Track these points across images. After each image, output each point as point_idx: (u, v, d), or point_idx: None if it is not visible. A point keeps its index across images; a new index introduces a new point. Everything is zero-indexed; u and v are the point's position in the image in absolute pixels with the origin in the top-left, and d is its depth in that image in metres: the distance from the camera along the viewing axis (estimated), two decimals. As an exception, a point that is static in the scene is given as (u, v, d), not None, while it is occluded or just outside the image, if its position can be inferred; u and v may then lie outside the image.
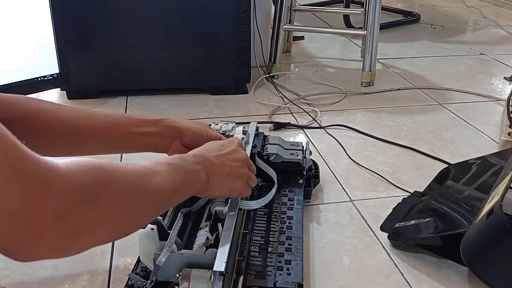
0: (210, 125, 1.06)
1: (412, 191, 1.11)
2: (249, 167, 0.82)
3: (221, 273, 0.67)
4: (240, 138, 1.01)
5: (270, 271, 0.79)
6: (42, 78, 1.29)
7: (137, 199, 0.56)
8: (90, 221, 0.50)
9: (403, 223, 0.97)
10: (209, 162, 0.73)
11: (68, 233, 0.47)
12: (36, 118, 0.75)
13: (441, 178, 1.14)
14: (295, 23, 2.13)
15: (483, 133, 1.42)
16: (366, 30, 1.72)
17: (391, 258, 0.92)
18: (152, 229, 0.75)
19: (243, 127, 1.07)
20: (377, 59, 1.80)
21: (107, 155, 0.86)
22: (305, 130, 1.42)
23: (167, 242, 0.71)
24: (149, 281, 0.71)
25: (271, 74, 1.78)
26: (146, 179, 0.59)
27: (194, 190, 0.71)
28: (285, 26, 1.78)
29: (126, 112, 1.51)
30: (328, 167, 1.22)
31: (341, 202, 1.09)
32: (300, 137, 1.38)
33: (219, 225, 0.78)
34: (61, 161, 0.49)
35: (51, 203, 0.45)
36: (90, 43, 1.54)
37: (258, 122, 1.15)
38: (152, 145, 0.86)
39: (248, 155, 0.98)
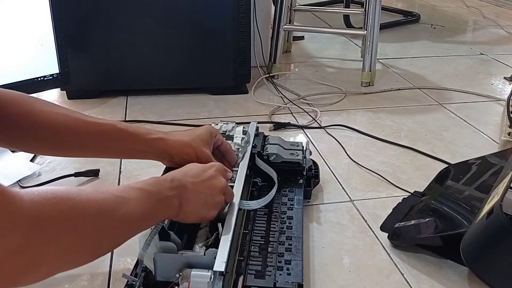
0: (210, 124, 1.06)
1: (412, 191, 1.11)
2: (226, 195, 0.79)
3: (221, 273, 0.67)
4: (240, 139, 1.02)
5: (270, 271, 0.79)
6: (42, 78, 1.29)
7: (102, 230, 0.56)
8: (49, 254, 0.50)
9: (403, 223, 0.97)
10: (185, 188, 0.71)
11: (24, 265, 0.47)
12: (28, 120, 0.74)
13: (441, 178, 1.14)
14: (295, 23, 2.13)
15: (483, 133, 1.42)
16: (366, 30, 1.72)
17: (391, 258, 0.92)
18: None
19: (243, 127, 1.07)
20: (377, 59, 1.80)
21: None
22: (305, 130, 1.42)
23: (148, 235, 0.71)
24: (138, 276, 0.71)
25: (271, 74, 1.78)
26: (115, 209, 0.59)
27: (164, 216, 0.70)
28: (285, 26, 1.78)
29: (126, 111, 1.51)
30: (328, 167, 1.22)
31: (341, 202, 1.09)
32: (300, 137, 1.38)
33: (219, 225, 0.78)
34: (27, 193, 0.48)
35: (10, 237, 0.45)
36: (90, 43, 1.54)
37: (258, 122, 1.15)
38: (143, 158, 0.88)
39: (248, 155, 0.98)
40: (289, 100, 1.60)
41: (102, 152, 0.84)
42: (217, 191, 0.76)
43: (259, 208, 0.91)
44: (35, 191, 0.49)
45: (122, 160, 1.23)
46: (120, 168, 1.19)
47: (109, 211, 0.58)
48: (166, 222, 0.77)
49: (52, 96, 1.61)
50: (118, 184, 1.13)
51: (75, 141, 0.79)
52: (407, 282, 0.87)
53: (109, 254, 0.92)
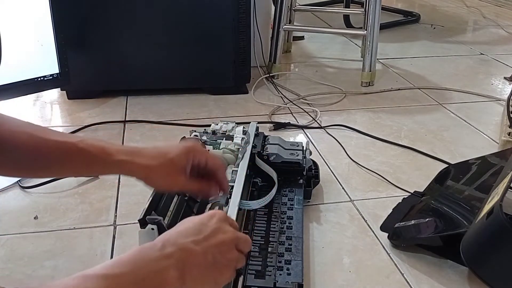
0: (204, 135, 1.04)
1: (412, 191, 1.11)
2: (238, 245, 0.63)
3: (221, 273, 0.67)
4: (240, 139, 1.02)
5: (270, 271, 0.79)
6: (42, 78, 1.29)
7: None
8: None
9: (403, 223, 0.97)
10: (185, 251, 0.57)
11: None
12: (5, 141, 0.70)
13: (441, 178, 1.14)
14: (295, 23, 2.13)
15: (483, 133, 1.42)
16: (366, 30, 1.72)
17: (391, 258, 0.92)
18: (152, 229, 0.75)
19: (243, 127, 1.07)
20: (377, 59, 1.80)
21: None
22: (305, 130, 1.42)
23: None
24: None
25: (271, 74, 1.78)
26: None
27: None
28: (285, 26, 1.78)
29: (126, 111, 1.51)
30: (328, 167, 1.22)
31: (341, 202, 1.09)
32: (300, 137, 1.38)
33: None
34: None
35: None
36: (90, 43, 1.54)
37: (258, 122, 1.15)
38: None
39: (248, 155, 0.98)
40: (289, 100, 1.60)
41: (67, 173, 0.80)
42: (227, 247, 0.61)
43: (259, 208, 0.91)
44: None
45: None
46: (120, 168, 1.19)
47: None
48: (166, 222, 0.77)
49: (52, 96, 1.61)
50: (118, 184, 1.13)
51: (38, 163, 0.73)
52: (407, 282, 0.87)
53: (109, 253, 0.92)
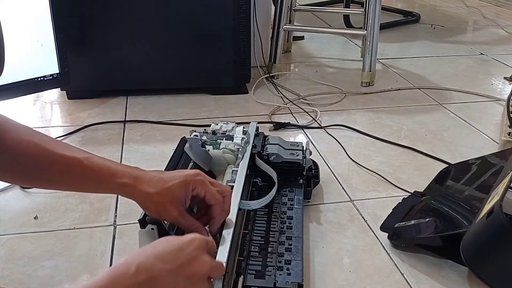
0: (204, 130, 1.04)
1: (412, 191, 1.11)
2: (214, 274, 0.63)
3: (221, 273, 0.67)
4: (240, 139, 1.02)
5: (270, 271, 0.79)
6: (42, 78, 1.29)
7: None
8: None
9: (403, 223, 0.97)
10: (157, 281, 0.56)
11: None
12: (11, 148, 0.70)
13: (441, 178, 1.14)
14: (295, 23, 2.13)
15: (483, 133, 1.42)
16: (366, 30, 1.72)
17: (391, 258, 0.92)
18: (152, 229, 0.75)
19: (243, 127, 1.07)
20: (377, 59, 1.80)
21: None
22: (305, 130, 1.42)
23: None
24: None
25: (271, 74, 1.78)
26: None
27: None
28: (285, 26, 1.78)
29: (126, 111, 1.51)
30: (328, 167, 1.22)
31: (341, 202, 1.09)
32: (300, 137, 1.38)
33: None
34: None
35: None
36: (90, 43, 1.54)
37: (258, 122, 1.15)
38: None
39: (248, 155, 0.98)
40: (289, 100, 1.60)
41: (68, 187, 0.79)
42: (200, 278, 0.60)
43: (259, 208, 0.91)
44: None
45: (122, 159, 1.24)
46: (120, 168, 1.19)
47: None
48: (166, 222, 0.77)
49: (52, 96, 1.61)
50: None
51: (40, 174, 0.72)
52: (407, 282, 0.87)
53: (109, 254, 0.92)
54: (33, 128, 0.75)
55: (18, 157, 0.70)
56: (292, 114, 1.52)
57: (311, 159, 1.11)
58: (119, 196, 1.09)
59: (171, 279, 0.57)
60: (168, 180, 0.73)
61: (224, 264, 0.66)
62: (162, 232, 0.74)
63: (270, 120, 1.46)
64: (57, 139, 1.16)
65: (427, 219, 0.95)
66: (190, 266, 0.59)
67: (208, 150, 1.00)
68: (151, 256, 0.58)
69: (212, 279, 0.63)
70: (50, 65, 1.31)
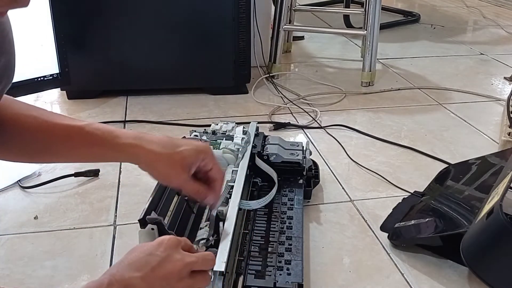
0: (205, 129, 1.04)
1: (412, 191, 1.11)
2: (196, 267, 0.63)
3: (221, 273, 0.67)
4: (240, 139, 1.02)
5: (270, 271, 0.79)
6: (42, 78, 1.29)
7: None
8: None
9: (403, 223, 0.97)
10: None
11: None
12: (10, 123, 0.70)
13: (441, 178, 1.14)
14: (295, 23, 2.13)
15: (483, 133, 1.42)
16: (366, 30, 1.72)
17: (391, 258, 0.92)
18: (152, 229, 0.75)
19: (243, 127, 1.07)
20: (377, 59, 1.80)
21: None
22: (305, 130, 1.42)
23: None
24: None
25: (271, 74, 1.78)
26: None
27: None
28: (285, 26, 1.78)
29: (126, 111, 1.50)
30: (328, 167, 1.22)
31: (341, 202, 1.09)
32: (300, 137, 1.38)
33: (220, 224, 0.78)
34: None
35: None
36: (90, 43, 1.54)
37: (258, 122, 1.15)
38: (117, 161, 0.80)
39: (248, 155, 0.98)
40: (289, 100, 1.60)
41: (70, 157, 0.78)
42: (176, 276, 0.60)
43: (259, 208, 0.91)
44: None
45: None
46: (120, 168, 1.19)
47: None
48: (166, 222, 0.77)
49: (52, 96, 1.61)
50: (118, 184, 1.13)
51: (42, 146, 0.72)
52: (407, 282, 0.87)
53: (109, 254, 0.92)
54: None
55: (19, 132, 0.69)
56: (292, 114, 1.51)
57: (311, 159, 1.11)
58: (119, 196, 1.09)
59: (145, 285, 0.58)
60: (180, 145, 0.73)
61: (212, 255, 0.66)
62: (162, 231, 0.74)
63: (270, 120, 1.46)
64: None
65: (427, 219, 0.95)
66: (161, 268, 0.59)
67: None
68: (124, 266, 0.59)
69: (210, 272, 0.64)
70: (50, 65, 1.31)
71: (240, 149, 0.99)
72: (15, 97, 1.27)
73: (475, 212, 0.89)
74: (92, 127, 0.72)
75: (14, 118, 0.70)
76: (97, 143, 0.71)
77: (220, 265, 0.67)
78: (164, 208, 0.81)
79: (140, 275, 0.58)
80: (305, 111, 1.52)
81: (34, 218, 1.02)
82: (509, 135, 1.31)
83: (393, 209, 1.04)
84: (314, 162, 1.12)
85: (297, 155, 1.05)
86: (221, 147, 1.00)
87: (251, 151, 1.00)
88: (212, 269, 0.66)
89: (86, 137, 0.71)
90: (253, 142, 1.03)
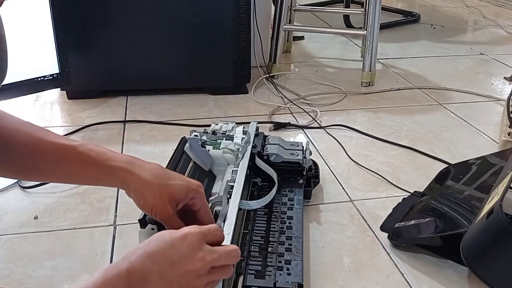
0: (204, 129, 1.04)
1: (412, 191, 1.11)
2: (219, 263, 0.61)
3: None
4: (240, 139, 1.02)
5: (270, 271, 0.79)
6: (42, 78, 1.29)
7: None
8: None
9: (403, 223, 0.97)
10: (148, 282, 0.56)
11: None
12: (2, 138, 0.68)
13: (441, 178, 1.14)
14: (295, 23, 2.13)
15: (483, 133, 1.42)
16: (366, 30, 1.72)
17: (391, 258, 0.92)
18: (153, 229, 0.75)
19: (243, 127, 1.07)
20: (377, 59, 1.80)
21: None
22: (305, 130, 1.42)
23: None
24: None
25: (271, 74, 1.78)
26: None
27: None
28: (285, 26, 1.78)
29: (126, 111, 1.51)
30: (328, 167, 1.22)
31: (341, 202, 1.09)
32: (300, 137, 1.38)
33: (220, 224, 0.78)
34: None
35: None
36: (90, 43, 1.54)
37: (258, 122, 1.15)
38: (106, 186, 0.78)
39: (248, 155, 0.98)
40: (289, 100, 1.60)
41: (62, 177, 0.75)
42: (194, 275, 0.58)
43: (259, 208, 0.91)
44: None
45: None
46: (120, 168, 1.19)
47: None
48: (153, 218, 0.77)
49: (52, 96, 1.61)
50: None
51: (34, 164, 0.70)
52: (407, 282, 0.87)
53: (109, 254, 0.92)
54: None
55: (11, 147, 0.68)
56: (292, 114, 1.52)
57: (311, 159, 1.11)
58: (119, 196, 1.09)
59: (163, 280, 0.57)
60: (173, 178, 0.72)
61: (237, 251, 0.63)
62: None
63: (270, 120, 1.46)
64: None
65: (427, 219, 0.95)
66: (181, 265, 0.58)
67: (208, 150, 1.00)
68: (143, 256, 0.57)
69: (232, 266, 0.62)
70: (50, 65, 1.31)
71: (240, 149, 0.99)
72: (15, 97, 1.28)
73: (475, 212, 0.89)
74: (85, 147, 0.71)
75: (8, 133, 0.69)
76: (89, 163, 0.70)
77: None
78: (164, 208, 0.81)
79: (158, 269, 0.57)
80: (305, 111, 1.52)
81: (34, 218, 1.02)
82: (509, 135, 1.31)
83: (393, 209, 1.04)
84: (314, 162, 1.12)
85: (297, 155, 1.05)
86: (221, 147, 1.00)
87: (251, 151, 1.00)
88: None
89: (78, 157, 0.70)
90: (253, 142, 1.03)
